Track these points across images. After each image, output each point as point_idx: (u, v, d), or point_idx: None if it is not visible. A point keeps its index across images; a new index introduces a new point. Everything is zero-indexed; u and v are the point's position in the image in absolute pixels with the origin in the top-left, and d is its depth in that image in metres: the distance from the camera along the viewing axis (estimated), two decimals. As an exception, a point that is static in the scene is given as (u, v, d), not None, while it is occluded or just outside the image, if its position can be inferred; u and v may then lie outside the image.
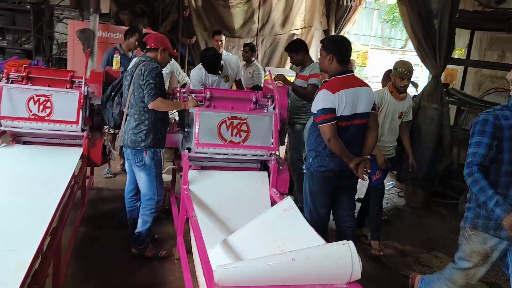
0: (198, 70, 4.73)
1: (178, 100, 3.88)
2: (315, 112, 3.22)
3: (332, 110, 3.15)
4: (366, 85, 3.36)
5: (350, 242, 2.21)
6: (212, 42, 6.60)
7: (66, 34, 8.68)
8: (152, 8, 9.34)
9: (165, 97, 3.70)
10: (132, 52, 5.50)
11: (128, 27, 6.34)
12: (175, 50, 3.92)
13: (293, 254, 2.15)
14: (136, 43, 5.38)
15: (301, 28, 10.59)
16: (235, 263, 2.20)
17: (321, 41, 3.46)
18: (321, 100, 3.17)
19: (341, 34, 10.28)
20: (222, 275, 2.03)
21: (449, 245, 4.82)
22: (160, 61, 3.64)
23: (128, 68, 3.84)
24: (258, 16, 9.92)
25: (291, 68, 10.30)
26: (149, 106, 3.48)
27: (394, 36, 24.82)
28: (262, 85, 5.73)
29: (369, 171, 3.25)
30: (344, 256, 2.16)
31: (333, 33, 10.53)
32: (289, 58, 10.38)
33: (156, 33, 3.78)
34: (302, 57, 4.80)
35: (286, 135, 5.14)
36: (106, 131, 4.55)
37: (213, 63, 4.54)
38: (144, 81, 3.46)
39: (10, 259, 2.16)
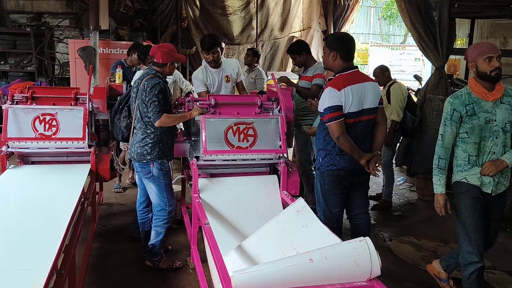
0: (199, 71, 4.72)
1: (183, 109, 3.86)
2: (322, 111, 3.19)
3: (339, 108, 3.11)
4: (371, 80, 3.33)
5: (367, 238, 2.18)
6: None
7: (67, 54, 8.76)
8: (150, 21, 9.39)
9: (171, 111, 3.70)
10: (135, 67, 5.52)
11: (129, 43, 6.36)
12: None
13: (311, 255, 2.12)
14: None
15: (300, 30, 10.59)
16: (252, 268, 2.16)
17: (324, 39, 3.45)
18: (327, 98, 3.14)
19: (341, 33, 10.27)
20: (240, 281, 2.00)
21: (466, 236, 4.77)
22: (167, 73, 3.66)
23: (135, 80, 3.84)
24: (256, 21, 9.92)
25: (292, 70, 10.31)
26: (156, 124, 3.48)
27: (393, 32, 24.79)
28: (265, 90, 5.72)
29: (380, 167, 3.21)
30: (362, 253, 2.13)
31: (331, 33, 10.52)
32: (290, 61, 10.49)
33: (162, 45, 3.69)
34: (305, 58, 4.78)
35: (293, 138, 5.12)
36: (113, 145, 4.55)
37: (207, 38, 4.46)
38: (147, 99, 3.47)
39: (25, 279, 2.15)
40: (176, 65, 3.73)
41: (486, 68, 2.96)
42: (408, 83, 11.62)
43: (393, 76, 5.49)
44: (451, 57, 6.49)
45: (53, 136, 3.94)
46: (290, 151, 5.71)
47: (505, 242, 4.63)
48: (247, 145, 3.64)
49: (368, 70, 16.38)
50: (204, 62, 4.61)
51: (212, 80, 4.57)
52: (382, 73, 5.35)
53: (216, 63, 4.50)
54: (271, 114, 3.83)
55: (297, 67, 10.60)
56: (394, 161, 5.76)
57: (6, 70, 9.03)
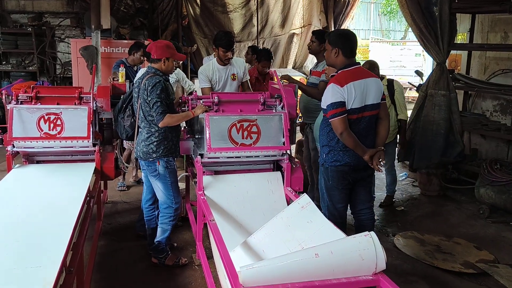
0: (206, 66, 4.74)
1: (186, 108, 3.88)
2: (325, 107, 3.21)
3: (342, 104, 3.14)
4: (374, 76, 3.35)
5: (372, 233, 2.21)
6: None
7: (69, 53, 8.79)
8: (151, 20, 9.41)
9: (173, 108, 3.71)
10: (137, 66, 5.55)
11: (130, 41, 6.37)
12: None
13: (316, 250, 2.15)
14: (141, 58, 5.45)
15: (301, 27, 10.60)
16: (258, 263, 2.19)
17: (326, 36, 3.46)
18: (330, 95, 3.16)
19: (341, 29, 10.27)
20: (247, 276, 2.03)
21: (468, 230, 4.80)
22: (164, 70, 3.64)
23: (136, 79, 3.86)
24: (257, 19, 9.94)
25: (293, 67, 10.32)
26: (160, 125, 3.49)
27: (393, 28, 24.78)
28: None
29: (383, 162, 3.23)
30: (368, 248, 2.16)
31: (333, 30, 10.53)
32: (291, 58, 10.48)
33: (158, 41, 3.72)
34: (323, 49, 4.69)
35: (304, 136, 5.14)
36: (116, 144, 4.57)
37: (227, 37, 4.53)
38: (150, 98, 3.48)
39: (36, 276, 2.18)
40: (174, 62, 3.72)
41: None
42: (409, 78, 11.63)
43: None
44: (452, 52, 6.50)
45: (58, 135, 3.96)
46: (293, 147, 5.73)
47: (508, 236, 4.66)
48: (250, 142, 3.66)
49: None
50: (207, 60, 4.64)
51: (218, 77, 4.60)
52: (373, 70, 5.28)
53: (229, 61, 4.57)
54: (274, 111, 3.85)
55: (298, 64, 10.67)
56: (396, 157, 5.77)
57: (8, 70, 9.06)
